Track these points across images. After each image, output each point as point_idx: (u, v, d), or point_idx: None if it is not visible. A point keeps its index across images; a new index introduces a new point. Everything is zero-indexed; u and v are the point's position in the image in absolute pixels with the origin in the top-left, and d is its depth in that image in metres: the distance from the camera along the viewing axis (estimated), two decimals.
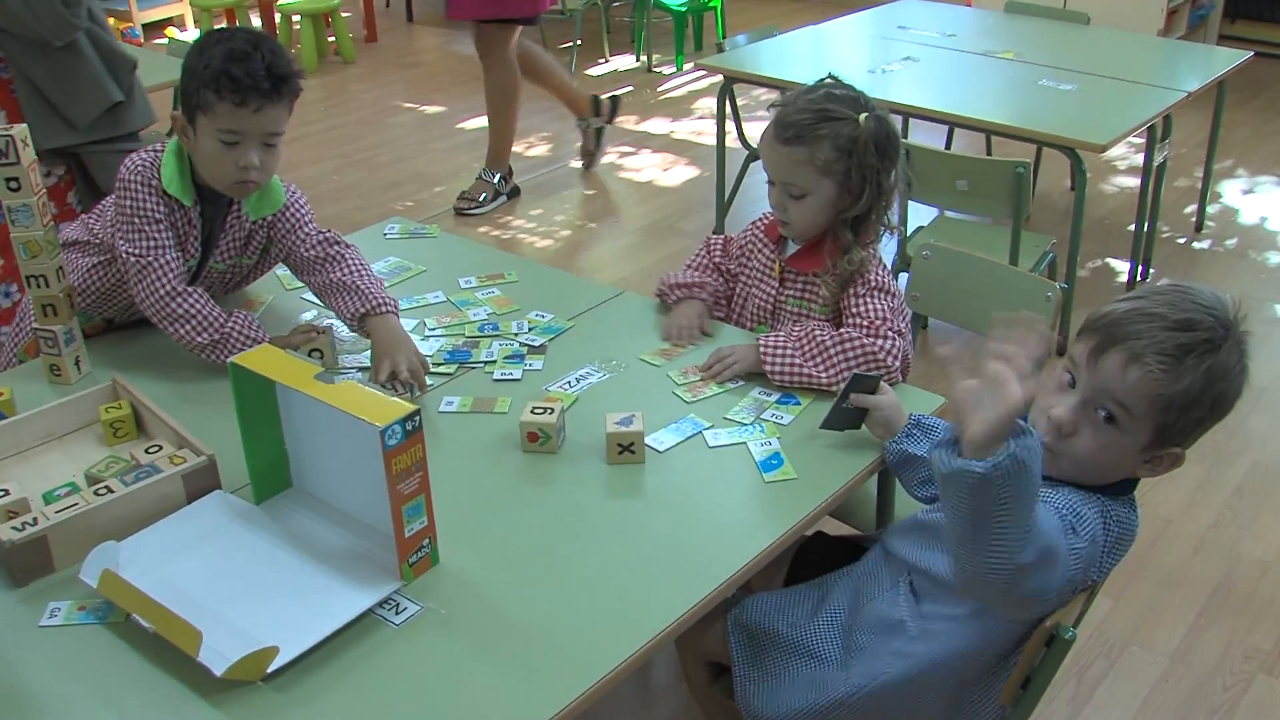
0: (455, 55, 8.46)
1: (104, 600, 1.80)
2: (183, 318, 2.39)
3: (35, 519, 1.89)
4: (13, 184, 2.28)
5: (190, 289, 2.42)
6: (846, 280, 2.40)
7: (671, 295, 2.60)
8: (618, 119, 6.21)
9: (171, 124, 2.45)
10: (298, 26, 8.26)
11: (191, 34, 8.65)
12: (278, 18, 8.31)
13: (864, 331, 2.32)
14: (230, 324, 2.42)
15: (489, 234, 5.41)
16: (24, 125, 2.30)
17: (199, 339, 2.40)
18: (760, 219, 2.62)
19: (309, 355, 2.38)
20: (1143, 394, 1.72)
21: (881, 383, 2.18)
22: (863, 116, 2.34)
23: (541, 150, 6.45)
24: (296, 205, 2.57)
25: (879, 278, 2.40)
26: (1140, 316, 1.74)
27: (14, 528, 1.87)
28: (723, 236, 2.70)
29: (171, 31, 8.96)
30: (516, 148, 6.42)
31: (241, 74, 2.28)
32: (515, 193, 5.82)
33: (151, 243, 2.40)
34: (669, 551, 1.91)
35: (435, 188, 5.98)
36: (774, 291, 2.54)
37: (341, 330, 2.56)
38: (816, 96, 2.38)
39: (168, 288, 2.39)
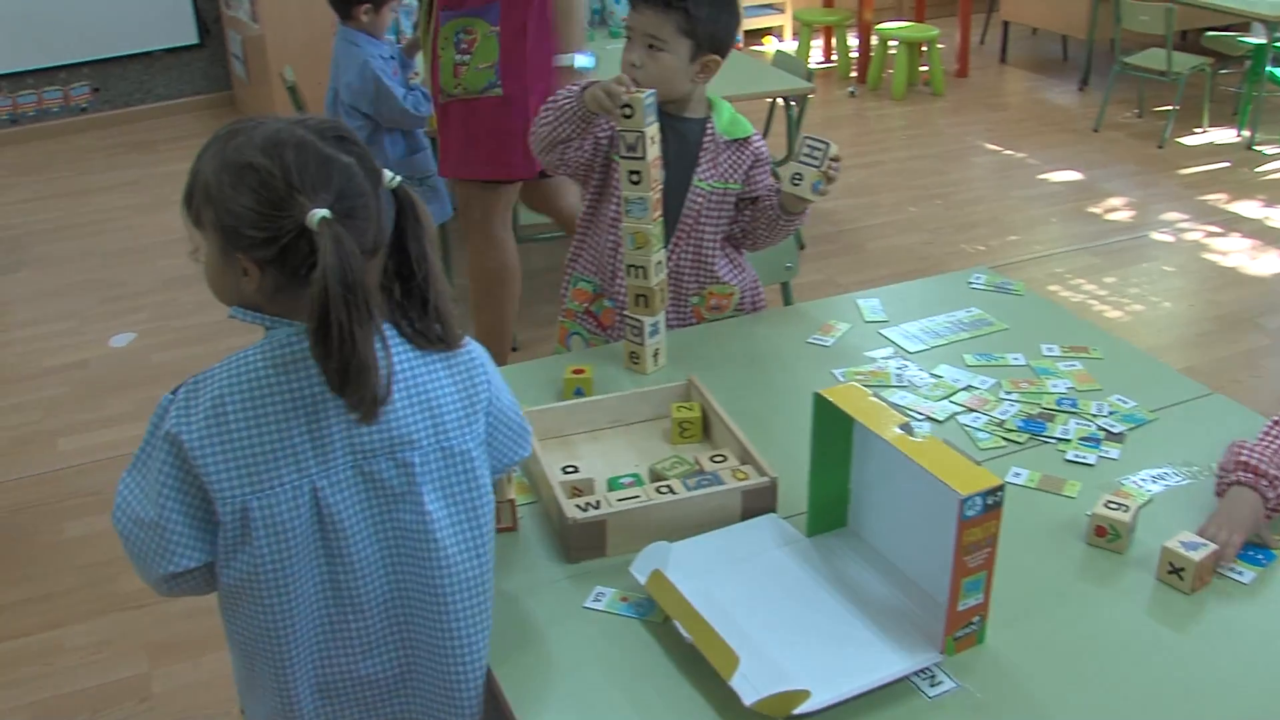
0: (1045, 103, 8.22)
1: (647, 597, 1.83)
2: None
3: (598, 502, 1.96)
4: (634, 177, 2.38)
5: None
6: None
7: (1227, 478, 2.07)
8: None
9: None
10: (893, 52, 8.31)
11: (790, 45, 8.91)
12: (874, 40, 8.40)
13: None
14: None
15: (1058, 293, 5.21)
16: (656, 124, 2.38)
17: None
18: None
19: (621, 109, 2.36)
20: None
21: None
22: None
23: (1122, 215, 6.15)
24: (762, 148, 2.76)
25: None
26: None
27: (579, 506, 1.94)
28: None
29: (769, 39, 9.27)
30: (1093, 209, 6.15)
31: None
32: None
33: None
34: (1220, 694, 1.71)
35: (1010, 236, 5.83)
36: None
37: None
38: None
39: None
